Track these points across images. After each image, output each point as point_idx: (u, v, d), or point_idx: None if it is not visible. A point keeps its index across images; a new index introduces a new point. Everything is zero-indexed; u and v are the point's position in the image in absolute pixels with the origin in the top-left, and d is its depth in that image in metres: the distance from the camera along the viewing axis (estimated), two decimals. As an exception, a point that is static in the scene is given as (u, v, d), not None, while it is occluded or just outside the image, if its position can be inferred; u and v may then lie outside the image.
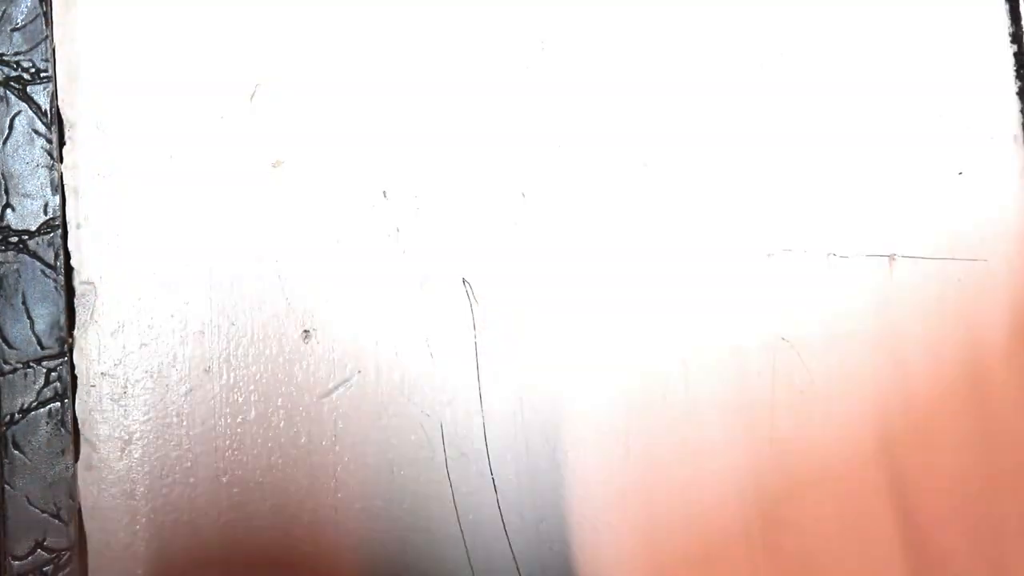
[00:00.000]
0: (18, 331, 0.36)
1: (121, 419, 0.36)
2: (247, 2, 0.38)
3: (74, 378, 0.36)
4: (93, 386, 0.36)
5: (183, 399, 0.36)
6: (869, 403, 0.38)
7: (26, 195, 0.36)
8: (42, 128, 0.37)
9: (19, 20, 0.37)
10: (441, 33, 0.39)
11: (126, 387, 0.36)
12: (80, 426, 0.36)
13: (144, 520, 0.36)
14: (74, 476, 0.35)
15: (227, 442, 0.36)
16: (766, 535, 0.37)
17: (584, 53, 0.39)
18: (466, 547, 0.36)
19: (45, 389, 0.35)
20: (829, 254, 0.39)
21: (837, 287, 0.39)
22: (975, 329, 0.39)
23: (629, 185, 0.39)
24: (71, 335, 0.36)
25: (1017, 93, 0.41)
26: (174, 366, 0.36)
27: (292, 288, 0.37)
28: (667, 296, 0.38)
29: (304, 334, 0.37)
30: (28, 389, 0.35)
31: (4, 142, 0.36)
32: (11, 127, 0.36)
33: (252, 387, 0.36)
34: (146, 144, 0.37)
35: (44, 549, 0.35)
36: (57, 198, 0.36)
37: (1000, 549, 0.39)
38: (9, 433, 0.35)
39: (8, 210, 0.36)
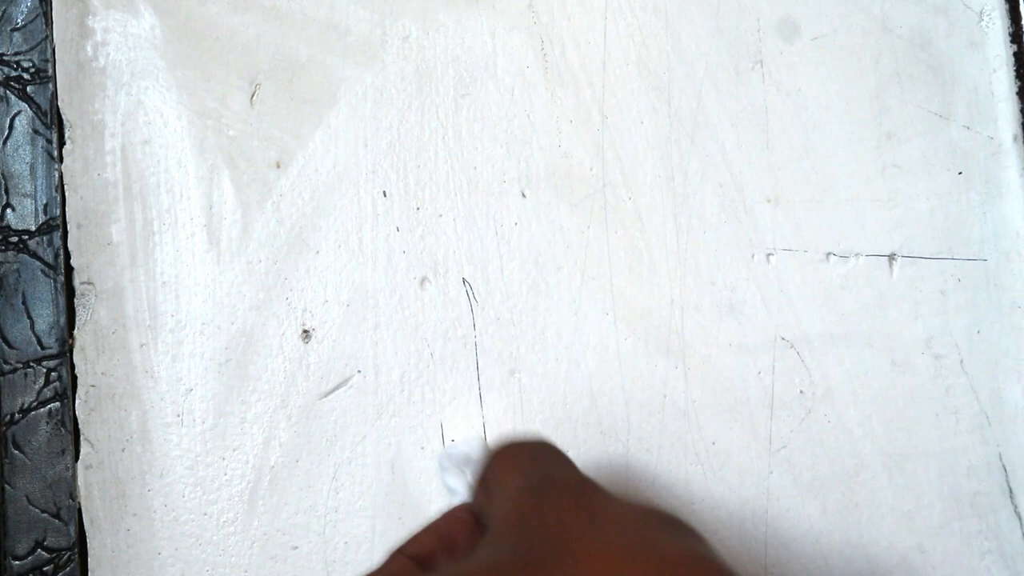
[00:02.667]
0: (18, 331, 0.36)
1: (121, 419, 0.36)
2: (246, 4, 0.38)
3: (74, 378, 0.36)
4: (93, 386, 0.36)
5: (183, 399, 0.36)
6: (869, 403, 0.38)
7: (26, 195, 0.36)
8: (42, 128, 0.37)
9: (19, 20, 0.37)
10: (442, 31, 0.39)
11: (126, 387, 0.36)
12: (80, 426, 0.36)
13: (144, 520, 0.36)
14: (74, 476, 0.35)
15: (227, 442, 0.36)
16: (768, 542, 0.37)
17: (584, 50, 0.39)
18: (466, 547, 0.36)
19: (45, 389, 0.35)
20: (829, 254, 0.39)
21: (837, 287, 0.39)
22: (975, 328, 0.39)
23: (630, 185, 0.39)
24: (71, 335, 0.36)
25: (1017, 93, 0.41)
26: (174, 366, 0.36)
27: (292, 288, 0.37)
28: (667, 295, 0.38)
29: (304, 334, 0.37)
30: (28, 389, 0.35)
31: (4, 142, 0.36)
32: (11, 127, 0.36)
33: (252, 387, 0.36)
34: (146, 144, 0.37)
35: (44, 549, 0.35)
36: (57, 198, 0.36)
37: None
38: (9, 433, 0.35)
39: (8, 210, 0.36)
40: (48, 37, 0.37)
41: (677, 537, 0.19)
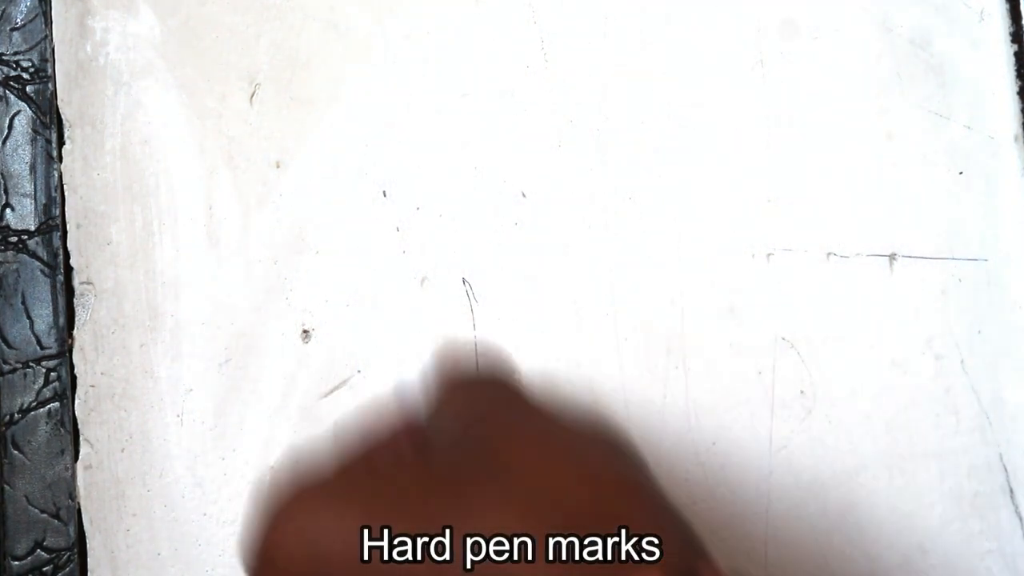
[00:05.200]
0: (17, 331, 0.36)
1: (121, 419, 0.36)
2: (246, 4, 0.38)
3: (73, 378, 0.36)
4: (93, 386, 0.36)
5: (183, 399, 0.36)
6: (869, 403, 0.38)
7: (26, 195, 0.36)
8: (41, 128, 0.37)
9: (18, 20, 0.37)
10: (442, 31, 0.39)
11: (125, 387, 0.36)
12: (80, 426, 0.36)
13: (143, 520, 0.36)
14: (73, 476, 0.35)
15: (227, 442, 0.36)
16: (768, 542, 0.37)
17: (584, 51, 0.39)
18: (466, 547, 0.36)
19: (44, 389, 0.35)
20: (829, 254, 0.39)
21: (837, 287, 0.39)
22: (976, 328, 0.39)
23: (630, 185, 0.39)
24: (71, 335, 0.36)
25: (1017, 93, 0.41)
26: (174, 366, 0.36)
27: (292, 288, 0.37)
28: (667, 295, 0.38)
29: (304, 334, 0.37)
30: (28, 389, 0.35)
31: (4, 142, 0.36)
32: (11, 127, 0.36)
33: (252, 387, 0.36)
34: (146, 144, 0.37)
35: (44, 549, 0.35)
36: (57, 198, 0.36)
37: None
38: (9, 433, 0.35)
39: (8, 210, 0.36)
40: (47, 37, 0.37)
41: (608, 457, 0.21)
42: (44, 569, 0.35)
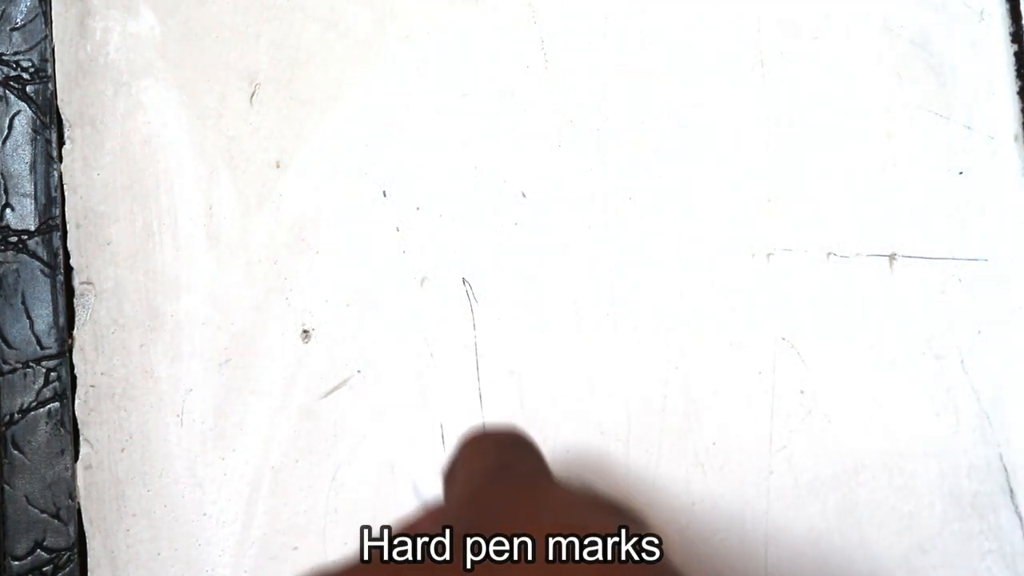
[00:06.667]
0: (17, 331, 0.36)
1: (121, 419, 0.36)
2: (246, 4, 0.38)
3: (73, 378, 0.36)
4: (93, 386, 0.36)
5: (183, 399, 0.36)
6: (869, 403, 0.38)
7: (25, 195, 0.36)
8: (41, 128, 0.37)
9: (18, 20, 0.37)
10: (442, 31, 0.39)
11: (125, 387, 0.36)
12: (80, 426, 0.36)
13: (143, 520, 0.36)
14: (73, 476, 0.35)
15: (227, 442, 0.36)
16: (768, 542, 0.37)
17: (584, 51, 0.39)
18: (466, 547, 0.36)
19: (44, 389, 0.35)
20: (829, 254, 0.39)
21: (837, 287, 0.39)
22: (976, 328, 0.39)
23: (630, 185, 0.39)
24: (71, 335, 0.36)
25: (1018, 93, 0.41)
26: (174, 366, 0.36)
27: (292, 288, 0.37)
28: (667, 295, 0.38)
29: (304, 334, 0.37)
30: (27, 389, 0.35)
31: (4, 142, 0.36)
32: (10, 127, 0.36)
33: (251, 387, 0.36)
34: (146, 144, 0.37)
35: (44, 549, 0.35)
36: (57, 198, 0.36)
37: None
38: (9, 433, 0.35)
39: (7, 210, 0.36)
40: (47, 37, 0.37)
41: (612, 522, 0.20)
42: (44, 569, 0.35)
